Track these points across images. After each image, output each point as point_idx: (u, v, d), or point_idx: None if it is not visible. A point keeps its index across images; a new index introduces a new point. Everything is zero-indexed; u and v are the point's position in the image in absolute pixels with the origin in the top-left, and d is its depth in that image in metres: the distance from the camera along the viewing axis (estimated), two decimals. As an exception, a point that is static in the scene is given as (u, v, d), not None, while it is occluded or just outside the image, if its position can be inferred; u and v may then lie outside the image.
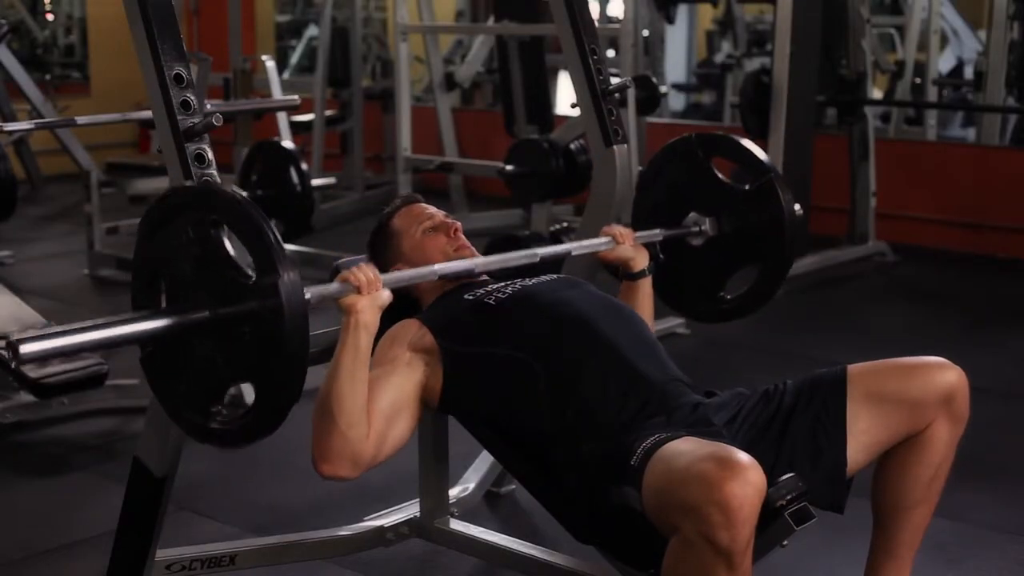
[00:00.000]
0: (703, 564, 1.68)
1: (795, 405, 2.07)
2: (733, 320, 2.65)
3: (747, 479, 1.67)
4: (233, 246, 1.79)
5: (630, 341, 2.16)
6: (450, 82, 6.99)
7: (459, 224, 2.36)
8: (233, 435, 1.80)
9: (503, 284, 2.25)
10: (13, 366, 1.60)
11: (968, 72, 7.96)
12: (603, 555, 2.25)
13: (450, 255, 2.30)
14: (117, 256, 5.52)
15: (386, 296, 1.97)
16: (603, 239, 2.45)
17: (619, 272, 2.49)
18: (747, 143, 2.59)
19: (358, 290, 1.94)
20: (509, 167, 4.95)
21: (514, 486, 3.07)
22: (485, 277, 2.33)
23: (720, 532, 1.65)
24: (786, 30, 5.08)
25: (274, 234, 1.74)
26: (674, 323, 4.61)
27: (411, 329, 2.15)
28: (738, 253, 2.60)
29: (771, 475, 1.78)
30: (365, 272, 1.95)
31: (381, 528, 2.64)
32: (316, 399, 1.97)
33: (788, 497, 1.79)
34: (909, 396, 2.03)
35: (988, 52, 6.68)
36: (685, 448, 1.80)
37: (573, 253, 2.46)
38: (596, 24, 2.84)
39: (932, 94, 7.32)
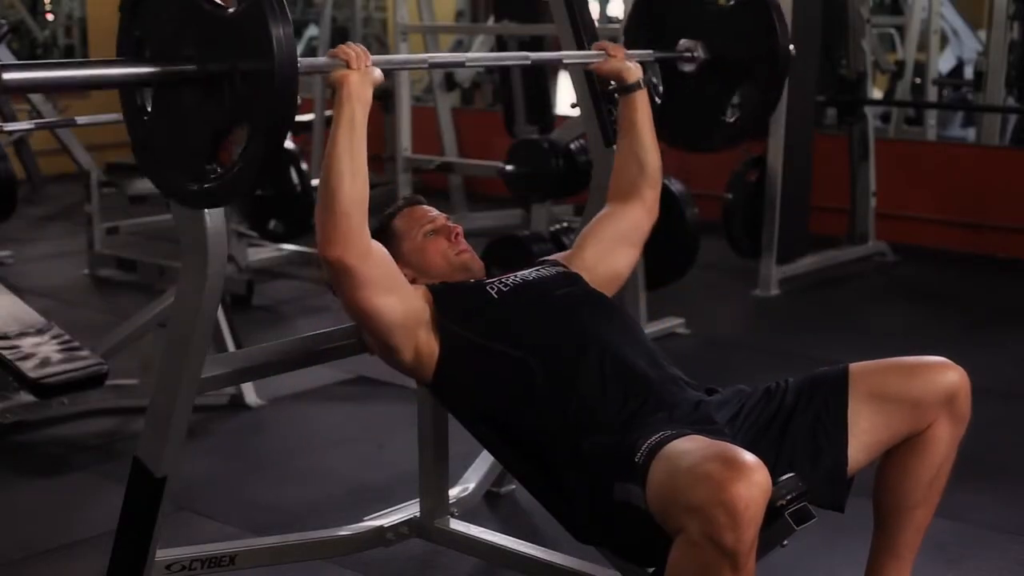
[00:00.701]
0: (708, 564, 1.68)
1: (796, 404, 2.07)
2: (738, 144, 2.64)
3: (753, 480, 1.67)
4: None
5: (627, 339, 2.16)
6: (450, 82, 6.99)
7: (460, 228, 2.37)
8: (229, 186, 1.79)
9: (503, 276, 2.26)
10: None
11: (968, 72, 7.96)
12: (604, 554, 2.25)
13: (451, 258, 2.31)
14: (117, 256, 5.52)
15: (377, 74, 1.99)
16: (595, 52, 2.48)
17: (611, 87, 2.51)
18: None
19: (347, 65, 1.95)
20: (509, 167, 4.95)
21: (514, 486, 3.07)
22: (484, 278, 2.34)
23: (726, 533, 1.65)
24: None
25: None
26: (674, 323, 4.61)
27: (419, 288, 2.19)
28: (733, 71, 2.61)
29: (772, 474, 1.78)
30: (354, 47, 1.98)
31: (381, 528, 2.64)
32: (318, 186, 1.98)
33: (788, 497, 1.79)
34: (911, 396, 2.03)
35: (988, 52, 6.68)
36: (690, 447, 1.80)
37: (565, 62, 2.48)
38: (596, 24, 2.84)
39: (932, 94, 7.32)
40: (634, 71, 2.48)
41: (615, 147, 2.58)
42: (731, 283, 5.49)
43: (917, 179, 6.40)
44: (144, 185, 6.03)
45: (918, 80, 7.31)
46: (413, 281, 2.30)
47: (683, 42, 2.62)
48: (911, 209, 6.29)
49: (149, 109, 1.87)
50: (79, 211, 6.05)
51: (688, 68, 2.62)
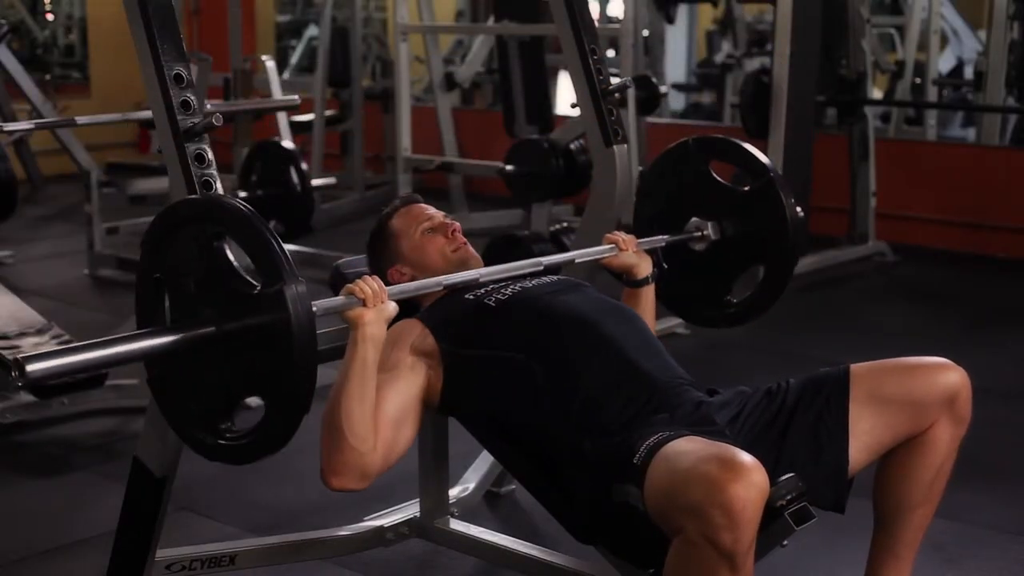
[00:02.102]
0: (706, 565, 1.68)
1: (797, 404, 2.07)
2: (741, 324, 2.64)
3: (751, 481, 1.67)
4: (236, 258, 1.78)
5: (632, 341, 2.16)
6: (450, 82, 6.99)
7: (458, 225, 2.36)
8: (243, 450, 1.80)
9: (503, 285, 2.25)
10: (20, 385, 1.60)
11: (968, 72, 7.96)
12: (603, 554, 2.25)
13: (449, 256, 2.31)
14: (117, 256, 5.52)
15: (392, 308, 1.96)
16: (606, 246, 2.44)
17: (622, 278, 2.49)
18: (745, 145, 2.60)
19: (363, 303, 1.93)
20: (509, 167, 4.96)
21: (514, 486, 3.07)
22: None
23: (723, 534, 1.65)
24: (786, 30, 5.07)
25: (279, 244, 1.73)
26: (674, 323, 4.61)
27: (413, 331, 2.15)
28: (742, 255, 2.60)
29: (773, 474, 1.78)
30: (371, 284, 1.95)
31: (381, 528, 2.64)
32: (324, 412, 1.96)
33: (788, 497, 1.79)
34: (912, 397, 2.03)
35: (988, 52, 6.68)
36: (688, 448, 1.80)
37: (576, 261, 2.47)
38: (596, 24, 2.84)
39: (932, 94, 7.32)
40: (644, 267, 2.46)
41: (624, 146, 2.57)
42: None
43: (917, 179, 6.40)
44: (144, 185, 6.04)
45: (918, 80, 7.30)
46: (412, 279, 2.30)
47: (694, 221, 2.59)
48: (911, 209, 6.30)
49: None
50: (79, 211, 6.05)
51: (697, 247, 2.60)
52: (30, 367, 1.60)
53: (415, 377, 2.10)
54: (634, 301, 2.46)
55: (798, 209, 2.55)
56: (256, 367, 1.74)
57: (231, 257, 1.78)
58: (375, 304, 1.93)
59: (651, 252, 2.51)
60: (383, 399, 2.02)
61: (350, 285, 1.95)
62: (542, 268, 2.30)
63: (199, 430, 1.82)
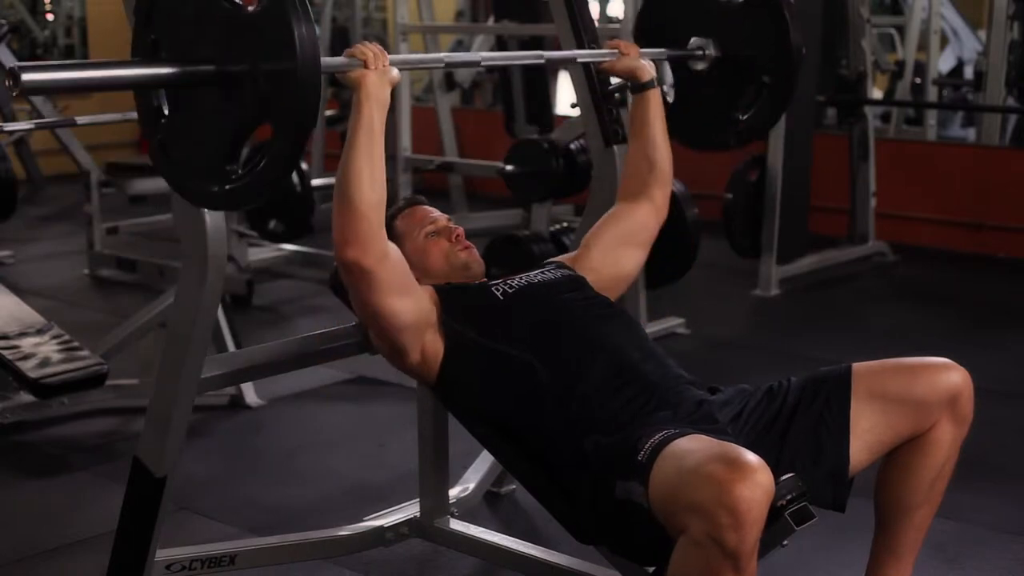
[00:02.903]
0: (710, 564, 1.68)
1: (799, 403, 2.07)
2: (752, 141, 2.64)
3: (756, 481, 1.67)
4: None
5: (631, 341, 2.16)
6: (450, 82, 6.99)
7: (461, 229, 2.36)
8: (254, 183, 1.76)
9: (507, 277, 2.26)
10: (14, 94, 1.59)
11: (968, 72, 7.96)
12: (604, 554, 2.25)
13: (452, 259, 2.32)
14: (117, 256, 5.52)
15: (395, 73, 1.97)
16: (608, 50, 2.47)
17: (627, 86, 2.50)
18: None
19: (365, 64, 1.93)
20: (509, 167, 4.95)
21: (514, 486, 3.07)
22: (485, 279, 2.33)
23: (728, 534, 1.65)
24: (786, 30, 5.07)
25: None
26: (674, 323, 4.61)
27: (426, 289, 2.18)
28: (745, 69, 2.60)
29: (774, 473, 1.78)
30: (371, 47, 1.95)
31: (381, 528, 2.64)
32: (335, 187, 1.95)
33: (788, 497, 1.79)
34: (913, 396, 2.03)
35: (988, 52, 6.68)
36: (694, 447, 1.80)
37: (578, 60, 2.47)
38: (596, 24, 2.84)
39: (932, 94, 7.32)
40: (648, 69, 2.48)
41: (624, 146, 2.57)
42: (731, 283, 5.49)
43: (917, 179, 6.40)
44: (144, 185, 6.03)
45: (918, 80, 7.30)
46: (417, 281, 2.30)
47: (694, 40, 2.61)
48: (911, 209, 6.29)
49: (166, 112, 1.85)
50: (79, 211, 6.05)
51: (699, 67, 2.61)
52: (25, 76, 1.58)
53: (426, 302, 2.13)
54: (643, 108, 2.47)
55: (796, 18, 2.55)
56: (260, 89, 1.71)
57: None
58: (377, 65, 1.93)
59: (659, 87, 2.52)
60: (401, 260, 2.05)
61: (350, 48, 1.95)
62: (543, 61, 2.33)
63: (207, 181, 1.79)
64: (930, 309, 5.21)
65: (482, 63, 2.18)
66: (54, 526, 2.97)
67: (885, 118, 7.55)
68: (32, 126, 4.38)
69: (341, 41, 7.23)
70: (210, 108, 1.78)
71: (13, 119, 6.37)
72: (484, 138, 7.25)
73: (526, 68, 6.37)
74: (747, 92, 2.61)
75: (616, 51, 2.46)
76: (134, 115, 3.10)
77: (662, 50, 2.57)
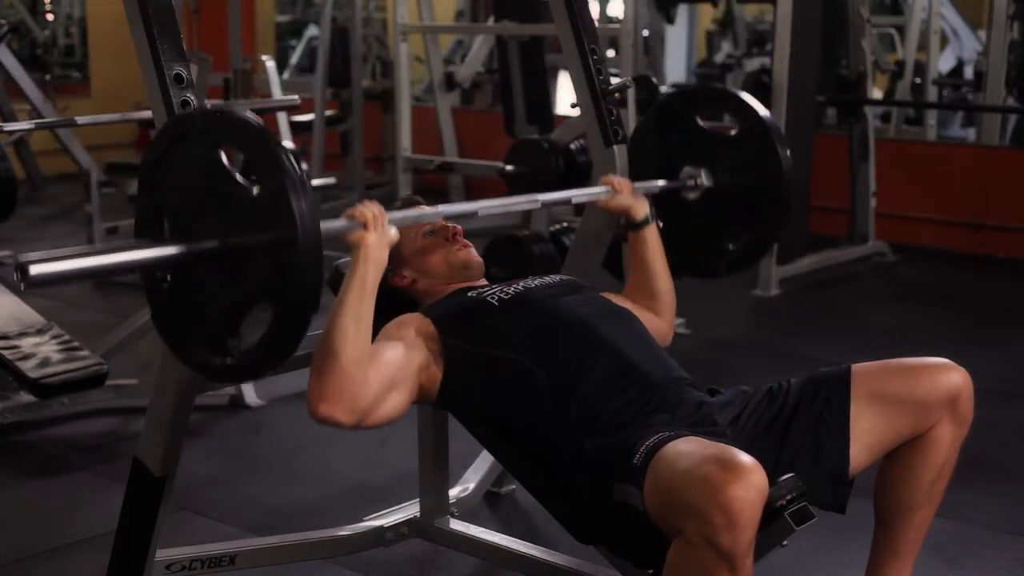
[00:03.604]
0: (705, 565, 1.68)
1: (799, 404, 2.07)
2: (742, 270, 2.62)
3: (749, 482, 1.67)
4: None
5: (631, 342, 2.16)
6: (450, 82, 6.99)
7: (459, 227, 2.36)
8: (252, 365, 1.76)
9: (505, 285, 2.25)
10: (22, 288, 1.59)
11: (968, 72, 7.96)
12: (604, 554, 2.25)
13: (450, 258, 2.31)
14: (117, 256, 5.51)
15: (393, 233, 1.97)
16: (601, 188, 2.45)
17: (623, 224, 2.49)
18: (727, 88, 2.60)
19: (364, 226, 1.94)
20: (509, 167, 4.95)
21: (514, 486, 3.07)
22: (485, 281, 2.33)
23: (722, 534, 1.65)
24: (786, 30, 5.08)
25: (279, 143, 1.71)
26: (674, 323, 4.61)
27: (417, 320, 2.16)
28: (736, 199, 2.59)
29: (773, 474, 1.78)
30: (371, 207, 1.96)
31: (381, 528, 2.64)
32: (319, 339, 1.94)
33: (788, 497, 1.79)
34: (913, 397, 2.03)
35: (988, 52, 6.68)
36: (688, 449, 1.80)
37: (573, 200, 2.46)
38: (596, 24, 2.84)
39: (932, 94, 7.32)
40: (642, 207, 2.45)
41: (624, 146, 2.55)
42: (731, 283, 5.47)
43: (917, 179, 6.40)
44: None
45: (918, 80, 7.31)
46: (413, 283, 2.30)
47: (687, 169, 2.59)
48: (911, 209, 6.30)
49: (168, 278, 1.84)
50: (79, 211, 6.05)
51: (691, 196, 2.60)
52: (33, 269, 1.59)
53: (415, 354, 2.09)
54: (640, 246, 2.45)
55: (787, 150, 2.54)
56: (261, 272, 1.72)
57: (227, 163, 1.75)
58: (376, 228, 1.94)
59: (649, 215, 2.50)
60: (380, 359, 2.00)
61: (350, 210, 1.95)
62: (539, 205, 2.31)
63: (207, 352, 1.79)
64: (930, 309, 5.21)
65: (480, 212, 2.19)
66: (54, 526, 2.97)
67: (885, 118, 7.55)
68: (32, 126, 4.38)
69: (341, 41, 7.23)
70: (212, 282, 1.77)
71: (13, 119, 6.38)
72: (484, 138, 7.25)
73: (525, 68, 6.36)
74: (737, 222, 2.60)
75: (609, 188, 2.43)
76: (134, 115, 3.09)
77: (655, 183, 2.54)
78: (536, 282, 2.27)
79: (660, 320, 2.43)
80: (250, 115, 1.75)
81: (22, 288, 1.60)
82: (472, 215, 2.21)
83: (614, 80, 2.81)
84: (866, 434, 2.03)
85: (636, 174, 2.65)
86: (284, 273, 1.70)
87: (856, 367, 2.09)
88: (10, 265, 5.88)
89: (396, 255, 2.33)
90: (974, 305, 5.29)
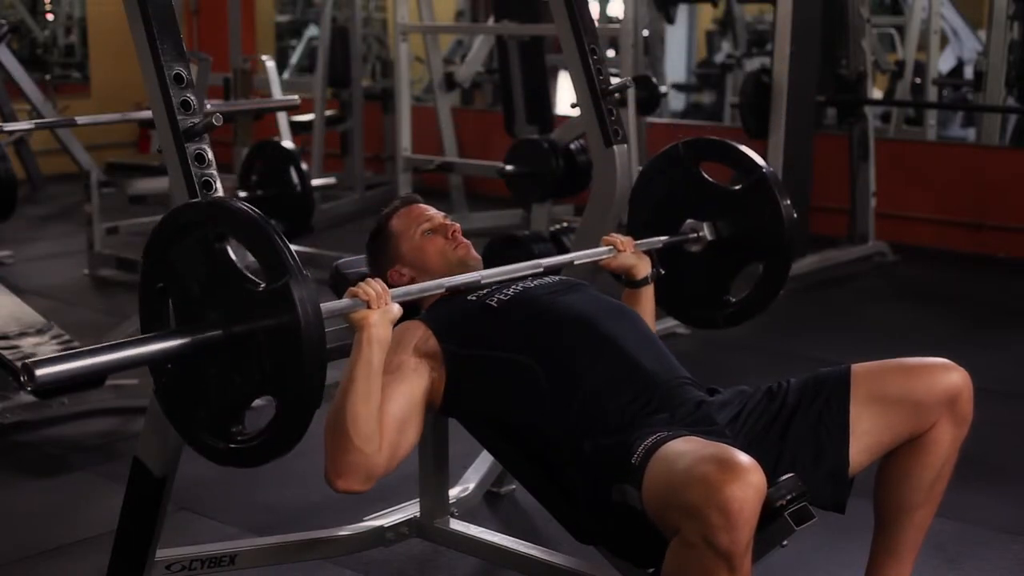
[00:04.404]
0: (704, 565, 1.68)
1: (798, 404, 2.07)
2: (740, 324, 2.63)
3: (748, 481, 1.67)
4: (238, 258, 1.79)
5: (633, 341, 2.16)
6: (450, 82, 6.99)
7: (458, 226, 2.36)
8: (256, 452, 1.80)
9: (504, 285, 2.25)
10: (29, 390, 1.60)
11: (968, 72, 7.96)
12: (604, 554, 2.25)
13: (449, 257, 2.31)
14: (117, 256, 5.52)
15: (396, 310, 1.97)
16: (604, 248, 2.44)
17: (621, 279, 2.49)
18: (734, 144, 2.59)
19: (367, 305, 1.93)
20: (509, 167, 4.96)
21: (514, 486, 3.07)
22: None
23: (720, 534, 1.65)
24: (786, 30, 5.07)
25: (284, 242, 1.74)
26: (674, 323, 4.60)
27: (416, 333, 2.15)
28: (738, 254, 2.59)
29: (773, 474, 1.78)
30: (374, 286, 1.95)
31: (381, 528, 2.64)
32: (328, 415, 1.96)
33: (788, 497, 1.79)
34: (913, 397, 2.03)
35: (988, 52, 6.68)
36: (686, 448, 1.80)
37: (576, 263, 2.47)
38: (596, 24, 2.84)
39: (932, 94, 7.32)
40: (643, 267, 2.45)
41: (624, 146, 2.55)
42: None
43: (917, 179, 6.40)
44: (144, 185, 6.04)
45: (918, 80, 7.30)
46: (412, 281, 2.30)
47: (689, 222, 2.58)
48: (911, 209, 6.30)
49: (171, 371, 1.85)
50: (79, 211, 6.05)
51: (694, 248, 2.59)
52: (39, 371, 1.60)
53: (419, 379, 2.09)
54: (634, 301, 2.45)
55: (790, 204, 2.53)
56: (265, 367, 1.74)
57: (234, 257, 1.77)
58: (379, 306, 1.93)
59: (648, 254, 2.51)
60: (387, 401, 2.01)
61: (353, 288, 1.95)
62: (542, 270, 2.30)
63: (210, 436, 1.82)
64: (930, 309, 5.21)
65: (483, 280, 2.19)
66: (54, 526, 2.97)
67: (885, 118, 7.55)
68: (32, 126, 4.38)
69: (341, 41, 7.23)
70: (217, 368, 1.78)
71: (13, 119, 6.38)
72: (484, 138, 7.26)
73: (525, 68, 6.37)
74: (739, 275, 2.60)
75: (611, 248, 2.43)
76: (134, 115, 3.09)
77: (658, 239, 2.53)
78: (535, 282, 2.27)
79: None
80: (252, 210, 1.78)
81: (29, 390, 1.60)
82: (476, 283, 2.20)
83: (614, 80, 2.81)
84: (866, 434, 2.03)
85: (637, 221, 2.65)
86: (288, 363, 1.71)
87: (856, 367, 2.09)
88: (10, 265, 5.90)
89: (395, 253, 2.33)
90: (974, 305, 5.29)
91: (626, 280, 2.47)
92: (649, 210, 2.65)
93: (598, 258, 2.44)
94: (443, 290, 2.17)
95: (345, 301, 1.94)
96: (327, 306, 1.85)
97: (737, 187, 2.57)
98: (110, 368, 1.73)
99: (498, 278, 2.23)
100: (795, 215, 2.53)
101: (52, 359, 1.63)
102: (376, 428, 1.96)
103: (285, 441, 1.78)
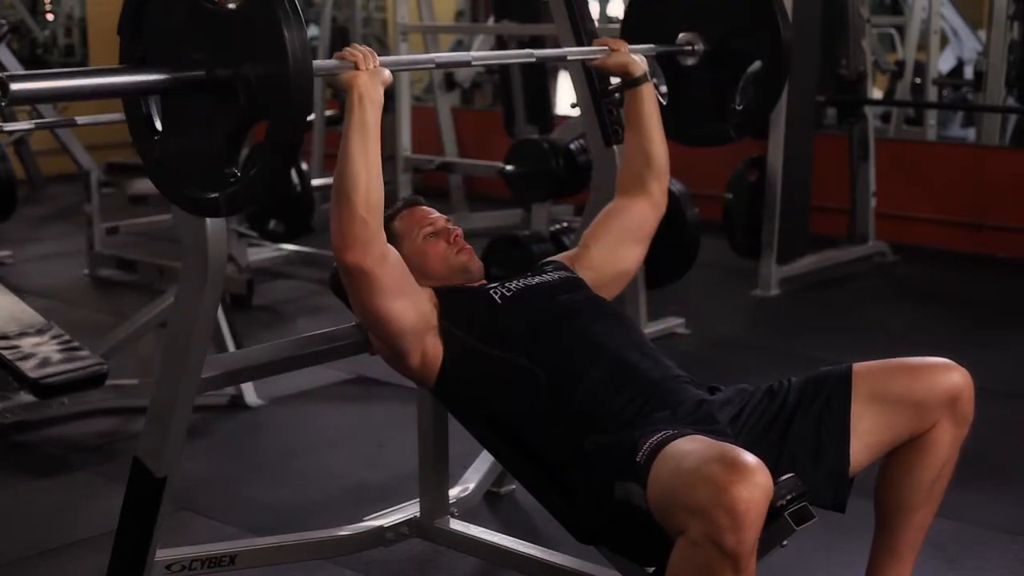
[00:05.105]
0: (709, 565, 1.68)
1: (799, 403, 2.07)
2: (751, 132, 2.64)
3: (754, 482, 1.67)
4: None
5: (629, 342, 2.16)
6: (450, 82, 6.99)
7: (460, 230, 2.36)
8: (251, 186, 1.75)
9: (506, 280, 2.25)
10: (4, 104, 1.58)
11: (968, 72, 7.95)
12: (604, 554, 2.25)
13: (451, 261, 2.31)
14: (117, 256, 5.52)
15: (387, 74, 1.97)
16: (598, 47, 2.46)
17: (621, 85, 2.50)
18: None
19: (355, 66, 1.93)
20: (509, 167, 4.96)
21: (514, 486, 3.07)
22: (485, 283, 2.33)
23: (727, 535, 1.65)
24: (786, 30, 5.07)
25: None
26: (674, 323, 4.61)
27: (426, 291, 2.19)
28: (736, 59, 2.59)
29: (773, 473, 1.77)
30: (360, 48, 1.96)
31: (381, 528, 2.64)
32: (333, 189, 1.95)
33: (788, 497, 1.79)
34: (914, 397, 2.03)
35: (988, 52, 6.68)
36: (692, 448, 1.79)
37: (569, 58, 2.47)
38: (596, 24, 2.84)
39: (932, 94, 7.32)
40: (639, 63, 2.47)
41: (622, 143, 2.56)
42: (731, 283, 5.49)
43: (917, 179, 6.39)
44: (144, 185, 6.03)
45: (918, 80, 7.30)
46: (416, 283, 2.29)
47: (682, 35, 2.61)
48: (911, 209, 6.29)
49: (159, 127, 1.84)
50: (79, 211, 6.04)
51: (690, 62, 2.61)
52: (14, 85, 1.57)
53: (426, 304, 2.13)
54: (637, 104, 2.46)
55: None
56: (251, 95, 1.70)
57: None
58: (368, 66, 1.93)
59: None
60: (400, 260, 2.04)
61: (339, 52, 1.95)
62: (534, 59, 2.32)
63: (209, 188, 1.78)
64: (930, 309, 5.21)
65: (473, 63, 2.17)
66: (54, 526, 2.97)
67: (885, 118, 7.54)
68: (32, 126, 4.38)
69: (341, 41, 7.23)
70: (203, 114, 1.77)
71: (13, 119, 6.37)
72: (484, 138, 7.25)
73: (525, 68, 6.36)
74: (740, 81, 2.59)
75: (606, 48, 2.46)
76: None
77: (651, 46, 2.56)
78: (537, 279, 2.28)
79: (651, 198, 2.45)
80: None
81: (3, 103, 1.58)
82: (466, 63, 2.17)
83: (614, 80, 2.81)
84: (866, 434, 2.03)
85: (632, 38, 2.62)
86: (274, 101, 1.69)
87: (857, 367, 2.09)
88: (10, 265, 5.90)
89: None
90: (974, 305, 5.28)
91: (624, 81, 2.48)
92: (642, 33, 2.64)
93: (592, 56, 2.46)
94: (434, 65, 2.18)
95: (332, 62, 1.93)
96: (315, 65, 1.79)
97: None
98: (87, 93, 1.69)
99: (491, 61, 2.24)
100: (785, 10, 2.53)
101: (29, 75, 1.61)
102: (380, 198, 1.95)
103: (276, 167, 1.74)
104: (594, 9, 3.02)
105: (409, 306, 2.08)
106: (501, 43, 6.52)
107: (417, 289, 2.13)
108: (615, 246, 2.42)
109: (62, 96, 1.69)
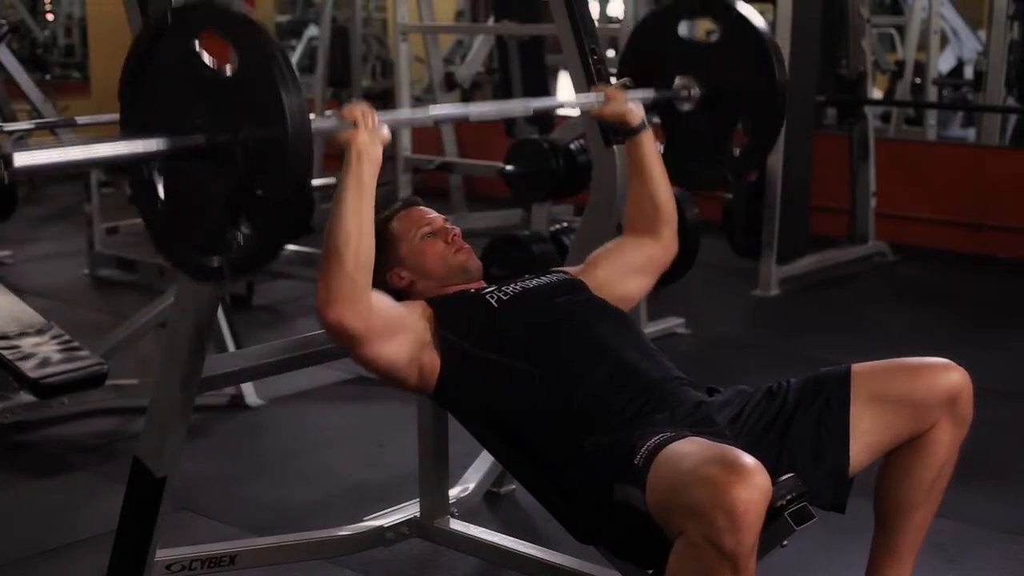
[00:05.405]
0: (708, 567, 1.68)
1: (798, 404, 2.07)
2: (748, 172, 2.65)
3: (753, 483, 1.66)
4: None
5: (628, 343, 2.16)
6: (450, 82, 6.99)
7: (458, 230, 2.35)
8: (254, 253, 1.75)
9: (503, 283, 2.25)
10: (5, 180, 1.57)
11: (968, 72, 7.96)
12: (604, 554, 2.25)
13: (449, 260, 2.30)
14: (117, 256, 5.52)
15: (385, 132, 1.97)
16: (595, 95, 2.45)
17: (619, 133, 2.49)
18: None
19: (354, 125, 1.93)
20: (509, 167, 4.95)
21: (514, 486, 3.07)
22: (483, 283, 2.33)
23: (726, 536, 1.65)
24: (786, 30, 5.07)
25: (264, 31, 1.69)
26: (674, 323, 4.61)
27: (419, 304, 2.18)
28: (732, 102, 2.59)
29: (773, 474, 1.78)
30: (360, 106, 1.96)
31: (381, 528, 2.64)
32: (323, 243, 1.95)
33: (788, 497, 1.79)
34: (913, 397, 2.03)
35: (988, 52, 6.68)
36: (690, 450, 1.79)
37: (568, 108, 2.47)
38: (596, 24, 2.84)
39: (932, 94, 7.32)
40: (636, 112, 2.45)
41: (622, 144, 2.56)
42: (731, 283, 5.49)
43: (917, 179, 6.40)
44: (144, 185, 6.03)
45: (918, 80, 7.30)
46: (411, 284, 2.29)
47: (678, 80, 2.60)
48: (911, 209, 6.29)
49: (161, 194, 1.83)
50: (79, 211, 6.05)
51: (686, 107, 2.60)
52: (18, 157, 1.57)
53: (418, 324, 2.11)
54: (637, 152, 2.45)
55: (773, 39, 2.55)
56: (250, 159, 1.70)
57: (208, 60, 1.74)
58: (367, 125, 1.94)
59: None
60: (383, 298, 2.03)
61: (338, 110, 1.95)
62: (531, 112, 2.32)
63: (212, 252, 1.78)
64: (930, 309, 5.21)
65: (471, 118, 2.17)
66: (54, 526, 2.97)
67: (885, 118, 7.54)
68: (32, 126, 4.38)
69: (341, 41, 7.23)
70: (204, 179, 1.76)
71: (13, 119, 6.37)
72: (484, 138, 7.25)
73: (525, 68, 6.36)
74: (736, 125, 2.60)
75: (602, 96, 2.44)
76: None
77: (648, 90, 2.54)
78: (534, 282, 2.27)
79: (660, 241, 2.44)
80: (236, 3, 1.74)
81: (5, 179, 1.58)
82: (464, 117, 2.18)
83: (614, 80, 2.81)
84: (866, 434, 2.03)
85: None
86: (273, 164, 1.68)
87: (856, 367, 2.09)
88: (10, 265, 5.89)
89: (394, 255, 2.33)
90: (974, 305, 5.28)
91: (623, 130, 2.47)
92: (638, 78, 2.64)
93: (589, 105, 2.45)
94: (431, 123, 2.17)
95: (332, 121, 1.94)
96: (314, 125, 1.78)
97: (716, 36, 2.59)
98: (90, 164, 1.71)
99: (488, 115, 2.24)
100: (778, 47, 2.53)
101: (31, 149, 1.61)
102: (370, 259, 1.95)
103: (279, 234, 1.74)
104: (594, 9, 3.01)
105: (402, 344, 2.07)
106: (501, 43, 6.52)
107: (406, 317, 2.11)
108: (622, 276, 2.40)
109: (65, 167, 1.68)
